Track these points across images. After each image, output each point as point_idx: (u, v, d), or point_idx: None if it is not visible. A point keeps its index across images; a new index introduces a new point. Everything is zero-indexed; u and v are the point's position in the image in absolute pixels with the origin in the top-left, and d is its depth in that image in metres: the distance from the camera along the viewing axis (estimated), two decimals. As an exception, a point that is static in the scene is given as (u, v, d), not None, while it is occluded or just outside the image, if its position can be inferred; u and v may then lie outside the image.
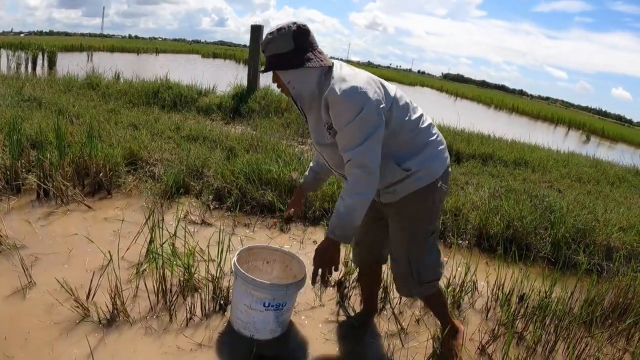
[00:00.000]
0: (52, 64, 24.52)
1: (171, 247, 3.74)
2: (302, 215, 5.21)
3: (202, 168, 5.77)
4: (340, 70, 2.64)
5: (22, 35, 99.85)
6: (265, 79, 11.40)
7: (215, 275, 3.51)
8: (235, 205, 5.18)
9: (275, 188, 5.38)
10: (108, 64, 14.58)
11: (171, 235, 3.78)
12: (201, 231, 4.66)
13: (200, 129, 7.72)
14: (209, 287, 3.51)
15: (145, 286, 3.43)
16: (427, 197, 2.80)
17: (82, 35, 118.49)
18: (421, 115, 2.82)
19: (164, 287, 3.43)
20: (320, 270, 2.65)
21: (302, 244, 4.75)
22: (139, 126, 7.56)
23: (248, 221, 5.02)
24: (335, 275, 3.90)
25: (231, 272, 3.39)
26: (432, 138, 2.81)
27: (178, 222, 4.06)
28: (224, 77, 13.23)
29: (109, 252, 3.54)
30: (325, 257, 2.64)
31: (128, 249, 3.72)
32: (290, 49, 2.59)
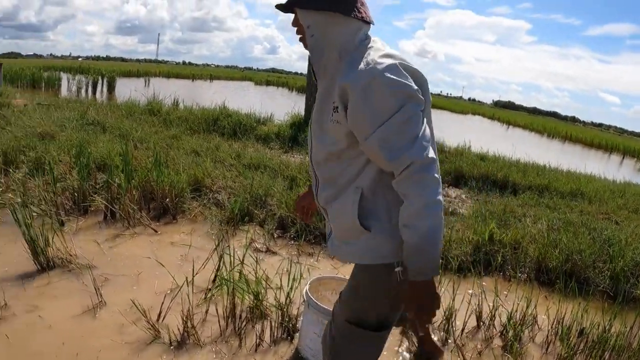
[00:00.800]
0: (111, 88, 25.27)
1: (239, 273, 3.81)
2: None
3: (265, 197, 5.86)
4: (382, 44, 2.00)
5: (80, 59, 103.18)
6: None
7: (283, 302, 3.56)
8: (300, 234, 5.23)
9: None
10: (165, 90, 14.91)
11: (239, 262, 3.85)
12: (267, 259, 4.75)
13: (261, 158, 7.87)
14: (278, 314, 3.55)
15: (217, 311, 3.50)
16: (377, 279, 2.08)
17: (138, 60, 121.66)
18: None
19: (233, 312, 3.50)
20: (427, 316, 1.88)
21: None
22: (201, 153, 7.74)
23: (312, 250, 5.08)
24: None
25: (302, 300, 3.44)
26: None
27: (246, 250, 4.15)
28: (280, 106, 13.39)
29: (186, 278, 3.65)
30: (428, 301, 1.85)
31: (197, 273, 3.80)
32: None
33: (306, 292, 3.17)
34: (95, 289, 3.64)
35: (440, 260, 2.06)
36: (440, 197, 1.83)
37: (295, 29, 2.05)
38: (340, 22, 1.93)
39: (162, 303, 3.47)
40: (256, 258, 4.10)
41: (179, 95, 13.77)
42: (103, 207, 5.33)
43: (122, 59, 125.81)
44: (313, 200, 2.43)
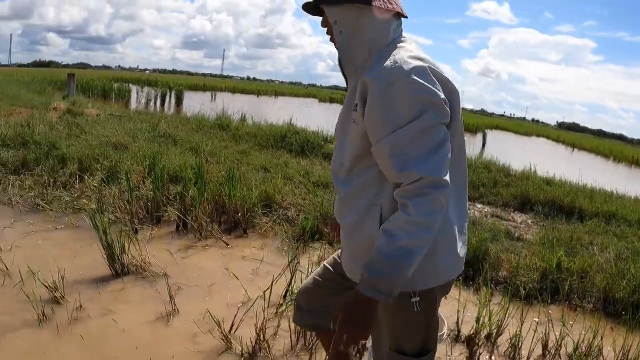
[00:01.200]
0: (179, 101, 25.71)
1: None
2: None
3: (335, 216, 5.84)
4: (416, 46, 1.86)
5: (147, 72, 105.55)
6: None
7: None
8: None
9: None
10: (231, 105, 15.20)
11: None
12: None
13: (329, 176, 7.83)
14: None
15: (289, 326, 3.55)
16: (399, 309, 1.87)
17: (204, 75, 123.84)
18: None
19: (301, 328, 3.55)
20: (350, 336, 1.69)
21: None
22: (270, 169, 7.87)
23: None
24: (467, 330, 3.86)
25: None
26: (449, 217, 1.86)
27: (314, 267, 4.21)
28: None
29: (263, 293, 3.77)
30: (366, 321, 1.69)
31: (268, 289, 3.89)
32: None
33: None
34: (170, 297, 3.78)
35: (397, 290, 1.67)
36: (436, 226, 1.65)
37: (326, 29, 1.93)
38: (369, 15, 1.79)
39: (236, 315, 3.53)
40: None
41: (246, 111, 13.97)
42: (176, 218, 5.51)
43: (189, 73, 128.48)
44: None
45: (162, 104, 24.78)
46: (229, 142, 10.17)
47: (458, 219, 1.92)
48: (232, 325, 3.51)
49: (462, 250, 1.95)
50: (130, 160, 7.03)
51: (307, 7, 1.95)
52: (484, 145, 23.86)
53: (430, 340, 1.97)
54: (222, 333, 3.40)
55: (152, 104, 24.21)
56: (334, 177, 2.03)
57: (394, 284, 1.64)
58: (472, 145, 13.23)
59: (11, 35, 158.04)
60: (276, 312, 3.86)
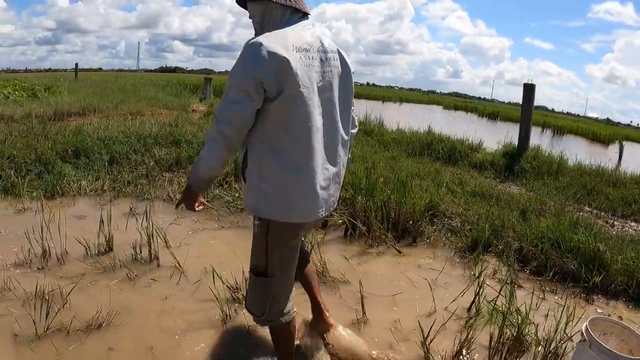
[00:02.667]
0: None
1: (494, 304, 3.82)
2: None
3: (501, 227, 5.78)
4: (289, 29, 2.55)
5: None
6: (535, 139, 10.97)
7: (546, 338, 3.50)
8: (545, 268, 5.11)
9: (577, 257, 5.22)
10: (361, 110, 15.20)
11: (498, 293, 3.86)
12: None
13: (483, 186, 7.79)
14: (540, 350, 3.51)
15: (479, 339, 3.53)
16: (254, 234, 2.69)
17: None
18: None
19: (498, 342, 3.49)
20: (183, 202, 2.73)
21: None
22: (424, 177, 7.85)
23: (554, 287, 4.92)
24: None
25: (579, 339, 3.35)
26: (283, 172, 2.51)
27: (505, 283, 4.15)
28: (478, 132, 13.09)
29: (470, 307, 3.82)
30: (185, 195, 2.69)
31: (454, 300, 3.83)
32: None
33: (587, 330, 3.08)
34: (362, 306, 3.86)
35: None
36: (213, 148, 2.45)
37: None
38: (272, 8, 2.57)
39: (431, 327, 3.49)
40: (511, 290, 4.06)
41: (383, 117, 13.96)
42: (345, 222, 5.58)
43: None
44: None
45: None
46: (376, 147, 10.23)
47: (295, 181, 2.49)
48: (427, 335, 3.48)
49: (292, 207, 2.52)
50: None
51: (238, 2, 2.75)
52: (620, 158, 22.80)
53: (271, 267, 2.65)
54: (422, 344, 3.41)
55: None
56: None
57: (194, 175, 2.56)
58: (606, 157, 12.58)
59: (139, 43, 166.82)
60: (465, 325, 3.82)
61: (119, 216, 5.59)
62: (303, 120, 2.45)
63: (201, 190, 2.63)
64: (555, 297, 4.76)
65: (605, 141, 32.75)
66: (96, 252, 4.74)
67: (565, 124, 35.81)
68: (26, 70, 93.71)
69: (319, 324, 3.48)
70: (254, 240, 2.66)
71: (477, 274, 4.43)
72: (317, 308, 3.47)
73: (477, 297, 4.00)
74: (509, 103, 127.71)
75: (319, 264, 4.48)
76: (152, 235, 4.70)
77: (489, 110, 43.72)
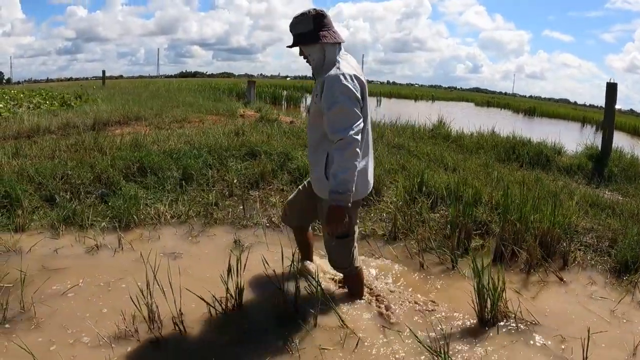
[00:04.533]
0: None
1: None
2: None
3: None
4: (343, 57, 3.47)
5: (288, 78, 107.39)
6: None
7: None
8: None
9: None
10: (401, 110, 14.92)
11: None
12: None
13: (589, 194, 6.94)
14: None
15: None
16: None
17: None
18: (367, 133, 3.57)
19: None
20: (333, 228, 3.35)
21: None
22: (530, 187, 6.78)
23: None
24: None
25: None
26: (364, 163, 3.50)
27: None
28: (532, 131, 12.34)
29: None
30: (335, 217, 3.29)
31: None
32: (310, 29, 3.40)
33: None
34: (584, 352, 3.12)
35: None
36: (354, 165, 3.21)
37: (302, 56, 3.56)
38: (324, 47, 3.44)
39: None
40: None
41: (445, 117, 13.04)
42: (491, 246, 4.96)
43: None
44: None
45: None
46: (463, 153, 9.38)
47: (368, 166, 3.59)
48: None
49: (370, 182, 3.65)
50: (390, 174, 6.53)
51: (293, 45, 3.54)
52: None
53: (351, 229, 3.65)
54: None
55: None
56: (307, 137, 3.87)
57: (347, 197, 3.20)
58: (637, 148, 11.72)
59: (158, 49, 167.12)
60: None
61: (221, 251, 4.74)
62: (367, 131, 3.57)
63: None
64: None
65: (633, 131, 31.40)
66: (222, 309, 3.68)
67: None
68: (47, 80, 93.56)
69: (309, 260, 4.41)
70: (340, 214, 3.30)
71: None
72: (310, 256, 4.42)
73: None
74: (530, 97, 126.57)
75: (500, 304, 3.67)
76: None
77: (525, 106, 42.45)
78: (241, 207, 5.90)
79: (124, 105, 15.35)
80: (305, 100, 27.74)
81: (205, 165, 6.98)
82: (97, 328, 3.42)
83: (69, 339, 3.33)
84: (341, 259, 3.72)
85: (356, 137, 3.16)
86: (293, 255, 4.03)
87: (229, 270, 3.62)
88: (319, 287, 3.65)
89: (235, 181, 6.50)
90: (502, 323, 3.61)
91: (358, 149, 3.19)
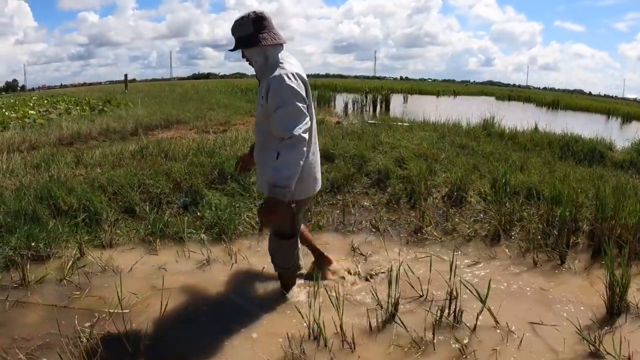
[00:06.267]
0: (387, 105, 25.58)
1: None
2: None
3: None
4: (285, 58, 3.59)
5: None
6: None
7: None
8: None
9: None
10: (427, 106, 15.15)
11: None
12: None
13: None
14: None
15: None
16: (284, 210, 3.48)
17: (356, 77, 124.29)
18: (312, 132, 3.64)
19: None
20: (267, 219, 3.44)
21: None
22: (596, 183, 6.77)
23: None
24: None
25: None
26: (310, 159, 3.68)
27: None
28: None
29: None
30: (270, 209, 3.35)
31: None
32: (250, 32, 3.48)
33: None
34: None
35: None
36: (299, 163, 3.35)
37: (245, 59, 3.67)
38: (265, 49, 3.53)
39: None
40: None
41: (485, 113, 12.96)
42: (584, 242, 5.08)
43: (341, 76, 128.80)
44: (251, 162, 4.15)
45: (374, 109, 24.37)
46: (522, 151, 9.33)
47: (315, 162, 3.82)
48: None
49: (316, 180, 3.86)
50: (458, 173, 6.45)
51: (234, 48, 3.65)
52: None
53: (295, 230, 3.89)
54: None
55: (364, 109, 24.16)
56: (255, 135, 3.91)
57: (286, 193, 3.31)
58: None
59: (170, 52, 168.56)
60: None
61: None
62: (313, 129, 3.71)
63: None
64: None
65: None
66: (380, 323, 3.66)
67: (632, 111, 34.00)
68: (61, 86, 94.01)
69: (321, 261, 4.51)
70: (283, 215, 3.47)
71: None
72: (316, 251, 4.52)
73: None
74: (544, 88, 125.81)
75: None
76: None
77: (549, 99, 41.94)
78: (336, 212, 5.87)
79: (161, 108, 15.47)
80: (335, 100, 27.61)
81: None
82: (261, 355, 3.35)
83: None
84: (285, 260, 3.94)
85: (304, 135, 3.34)
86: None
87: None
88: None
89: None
90: (627, 313, 3.75)
91: (305, 148, 3.37)
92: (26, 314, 3.88)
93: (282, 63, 3.49)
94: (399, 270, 3.83)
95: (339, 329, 3.41)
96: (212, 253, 4.86)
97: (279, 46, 3.56)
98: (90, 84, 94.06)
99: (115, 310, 3.71)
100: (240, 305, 3.97)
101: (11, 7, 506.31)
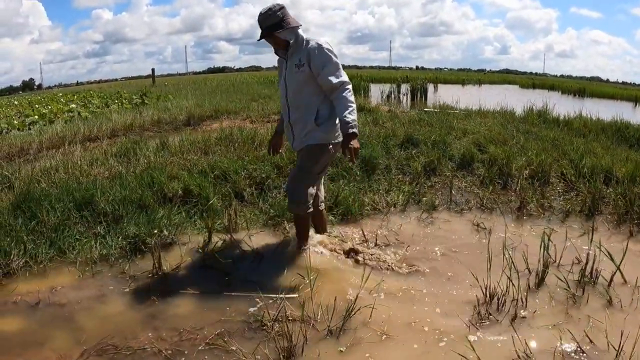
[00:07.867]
0: (425, 95, 25.87)
1: None
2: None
3: None
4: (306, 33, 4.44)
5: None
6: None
7: None
8: None
9: None
10: (459, 95, 16.71)
11: None
12: None
13: None
14: None
15: None
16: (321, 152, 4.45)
17: (372, 67, 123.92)
18: None
19: None
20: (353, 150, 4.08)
21: None
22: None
23: None
24: None
25: None
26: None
27: None
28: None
29: None
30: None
31: None
32: (280, 19, 4.28)
33: None
34: None
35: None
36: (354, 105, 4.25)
37: (271, 45, 4.48)
38: (293, 30, 4.34)
39: None
40: None
41: (529, 102, 13.35)
42: None
43: (356, 67, 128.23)
44: (281, 143, 5.07)
45: (413, 98, 24.65)
46: (579, 137, 9.66)
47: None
48: None
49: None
50: (541, 156, 7.11)
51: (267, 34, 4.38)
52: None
53: (322, 170, 4.60)
54: None
55: (400, 98, 24.41)
56: (289, 104, 4.51)
57: (357, 128, 4.14)
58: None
59: (185, 46, 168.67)
60: None
61: (469, 235, 5.48)
62: None
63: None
64: None
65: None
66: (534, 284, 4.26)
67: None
68: (77, 84, 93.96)
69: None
70: (319, 156, 4.44)
71: None
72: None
73: None
74: (562, 76, 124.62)
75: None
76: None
77: (575, 87, 41.93)
78: (439, 193, 6.48)
79: (208, 100, 15.92)
80: (368, 89, 27.98)
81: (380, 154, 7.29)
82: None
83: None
84: (302, 194, 4.43)
85: (349, 81, 4.29)
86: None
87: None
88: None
89: (419, 169, 6.94)
90: None
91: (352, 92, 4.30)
92: (176, 303, 3.96)
93: (309, 37, 4.38)
94: (543, 240, 4.37)
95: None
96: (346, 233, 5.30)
97: (300, 27, 4.40)
98: (106, 81, 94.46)
99: (286, 295, 3.82)
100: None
101: (25, 7, 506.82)
